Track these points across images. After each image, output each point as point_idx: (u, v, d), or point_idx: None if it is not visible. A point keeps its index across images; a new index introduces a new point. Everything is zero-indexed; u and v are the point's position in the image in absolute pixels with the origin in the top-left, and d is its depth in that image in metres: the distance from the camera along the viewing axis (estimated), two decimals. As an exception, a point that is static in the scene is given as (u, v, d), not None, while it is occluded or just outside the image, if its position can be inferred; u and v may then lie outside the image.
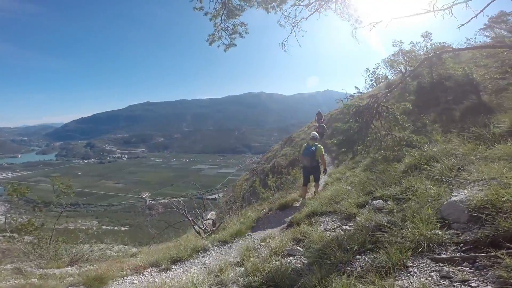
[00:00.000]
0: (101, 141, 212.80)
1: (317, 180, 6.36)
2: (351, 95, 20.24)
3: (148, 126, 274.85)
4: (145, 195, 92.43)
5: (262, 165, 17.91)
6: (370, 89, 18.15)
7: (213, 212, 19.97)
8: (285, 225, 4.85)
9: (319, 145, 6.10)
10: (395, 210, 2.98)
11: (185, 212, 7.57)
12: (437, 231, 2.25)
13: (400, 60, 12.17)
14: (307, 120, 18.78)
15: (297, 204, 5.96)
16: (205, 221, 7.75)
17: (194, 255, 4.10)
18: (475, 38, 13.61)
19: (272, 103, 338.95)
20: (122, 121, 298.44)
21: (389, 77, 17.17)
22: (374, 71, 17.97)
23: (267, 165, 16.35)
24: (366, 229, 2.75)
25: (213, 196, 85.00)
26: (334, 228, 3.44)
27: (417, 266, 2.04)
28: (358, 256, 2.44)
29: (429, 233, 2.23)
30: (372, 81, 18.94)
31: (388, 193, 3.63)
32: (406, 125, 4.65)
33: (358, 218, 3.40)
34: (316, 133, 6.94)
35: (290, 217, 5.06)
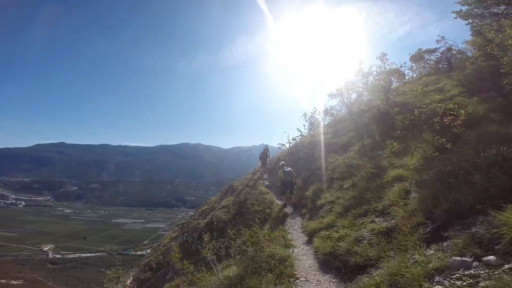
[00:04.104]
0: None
1: (292, 192, 9.00)
2: (293, 138, 19.00)
3: (59, 171, 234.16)
4: (47, 247, 76.55)
5: (194, 221, 14.36)
6: (311, 132, 17.94)
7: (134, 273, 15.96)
8: None
9: (290, 169, 9.28)
10: None
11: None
12: None
13: (358, 83, 12.06)
14: (245, 173, 18.12)
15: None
16: None
17: None
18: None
19: (210, 156, 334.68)
20: (25, 162, 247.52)
21: (333, 116, 17.36)
22: (312, 116, 18.19)
23: (202, 221, 13.14)
24: None
25: (140, 253, 72.94)
26: None
27: None
28: None
29: None
30: (311, 126, 18.85)
31: None
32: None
33: None
34: (283, 162, 10.29)
35: None
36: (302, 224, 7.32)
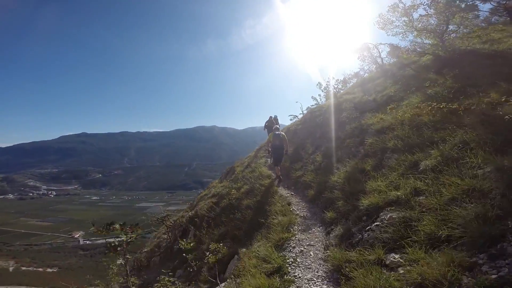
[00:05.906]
0: (22, 176, 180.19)
1: (280, 161, 7.92)
2: (307, 108, 17.52)
3: (84, 160, 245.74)
4: (77, 234, 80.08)
5: (177, 213, 11.80)
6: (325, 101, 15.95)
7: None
8: None
9: (283, 133, 8.08)
10: None
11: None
12: None
13: (395, 21, 8.77)
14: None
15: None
16: None
17: None
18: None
19: (225, 137, 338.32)
20: (52, 153, 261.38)
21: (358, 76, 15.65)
22: (329, 85, 15.43)
23: (188, 213, 10.70)
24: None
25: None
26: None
27: None
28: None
29: None
30: (327, 96, 17.07)
31: None
32: None
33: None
34: (277, 126, 9.09)
35: None
36: (325, 253, 3.57)
